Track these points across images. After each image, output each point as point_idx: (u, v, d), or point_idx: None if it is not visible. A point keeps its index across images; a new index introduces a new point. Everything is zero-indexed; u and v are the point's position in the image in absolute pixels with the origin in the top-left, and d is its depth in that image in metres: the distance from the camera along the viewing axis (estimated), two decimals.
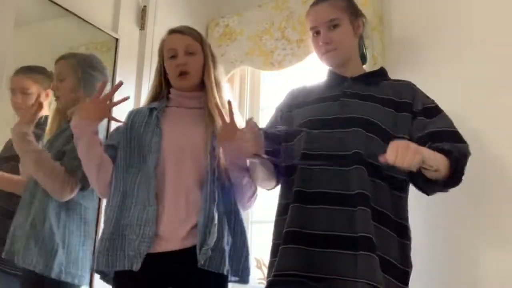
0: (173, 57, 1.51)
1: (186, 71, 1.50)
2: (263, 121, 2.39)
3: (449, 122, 1.38)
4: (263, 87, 2.54)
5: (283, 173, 1.42)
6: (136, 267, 1.32)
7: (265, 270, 1.91)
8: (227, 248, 1.38)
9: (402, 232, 1.30)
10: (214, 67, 1.56)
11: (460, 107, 1.89)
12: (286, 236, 1.27)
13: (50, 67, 1.88)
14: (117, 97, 1.93)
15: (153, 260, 1.34)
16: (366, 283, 1.15)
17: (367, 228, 1.21)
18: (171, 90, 1.57)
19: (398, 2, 2.13)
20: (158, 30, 2.23)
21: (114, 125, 1.80)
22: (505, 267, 1.64)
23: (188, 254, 1.34)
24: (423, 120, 1.36)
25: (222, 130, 1.40)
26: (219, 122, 1.44)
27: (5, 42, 1.61)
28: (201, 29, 2.54)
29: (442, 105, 1.90)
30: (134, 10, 2.16)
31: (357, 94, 1.40)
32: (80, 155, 1.44)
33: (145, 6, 2.20)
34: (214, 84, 1.52)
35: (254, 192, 1.52)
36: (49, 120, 1.71)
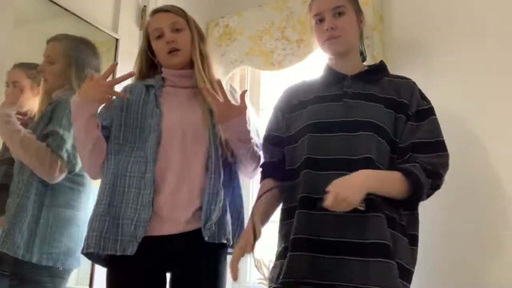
0: (160, 36, 1.48)
1: (176, 47, 1.47)
2: (263, 121, 2.39)
3: (435, 130, 1.35)
4: (263, 87, 2.54)
5: (286, 177, 1.39)
6: (132, 250, 1.30)
7: (265, 270, 1.92)
8: (229, 221, 1.42)
9: (414, 240, 1.32)
10: (202, 42, 1.53)
11: (460, 107, 1.89)
12: (294, 242, 1.25)
13: None
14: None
15: (153, 243, 1.32)
16: None
17: (382, 234, 1.21)
18: (163, 69, 1.53)
19: (398, 2, 2.13)
20: None
21: None
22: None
23: (191, 236, 1.34)
24: (412, 126, 1.33)
25: (218, 111, 1.37)
26: (211, 100, 1.41)
27: (4, 42, 1.61)
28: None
29: (442, 104, 1.91)
30: (134, 10, 2.17)
31: (359, 94, 1.37)
32: (75, 135, 1.40)
33: (145, 6, 2.20)
34: (200, 61, 1.48)
35: (258, 162, 1.50)
36: (38, 103, 1.68)
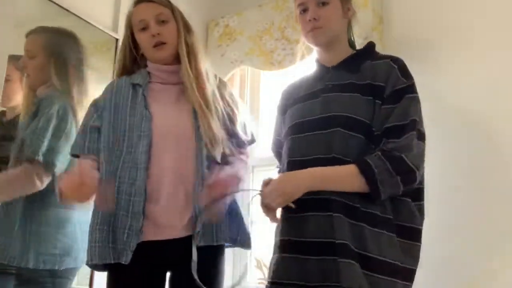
0: (144, 29, 1.40)
1: (161, 41, 1.39)
2: (263, 121, 2.40)
3: (409, 110, 1.22)
4: (263, 87, 2.54)
5: None
6: (126, 259, 1.26)
7: (265, 270, 1.92)
8: (226, 221, 1.36)
9: (405, 232, 1.22)
10: (188, 33, 1.44)
11: (459, 107, 1.89)
12: (281, 244, 1.25)
13: None
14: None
15: (150, 248, 1.30)
16: None
17: (343, 234, 1.15)
18: (149, 64, 1.45)
19: (398, 2, 2.13)
20: None
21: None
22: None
23: (189, 240, 1.30)
24: (386, 110, 1.22)
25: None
26: (195, 98, 1.35)
27: (5, 42, 1.61)
28: (201, 29, 2.54)
29: (442, 104, 1.91)
30: None
31: (338, 86, 1.29)
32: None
33: None
34: (186, 54, 1.40)
35: (248, 159, 1.49)
36: (22, 100, 1.62)
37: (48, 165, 1.46)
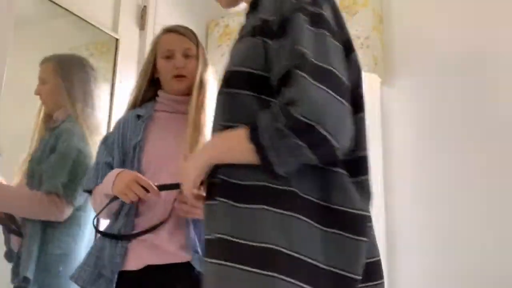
0: (169, 57, 1.46)
1: (183, 74, 1.45)
2: None
3: (296, 43, 0.82)
4: None
5: None
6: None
7: None
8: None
9: (332, 219, 0.83)
10: (205, 70, 1.49)
11: (460, 107, 1.89)
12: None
13: None
14: (118, 97, 1.93)
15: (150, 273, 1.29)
16: None
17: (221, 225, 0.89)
18: (160, 93, 1.49)
19: (398, 2, 2.13)
20: (158, 30, 2.22)
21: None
22: None
23: (185, 266, 1.28)
24: (276, 51, 0.86)
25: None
26: (189, 131, 1.37)
27: (5, 42, 1.61)
28: (201, 29, 2.54)
29: (443, 104, 1.91)
30: (134, 10, 2.16)
31: (238, 38, 1.01)
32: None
33: (145, 6, 2.20)
34: (198, 90, 1.43)
35: None
36: (38, 128, 1.66)
37: (69, 198, 1.49)
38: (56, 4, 1.81)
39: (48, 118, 1.66)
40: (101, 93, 1.73)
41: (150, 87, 1.50)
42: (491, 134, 1.81)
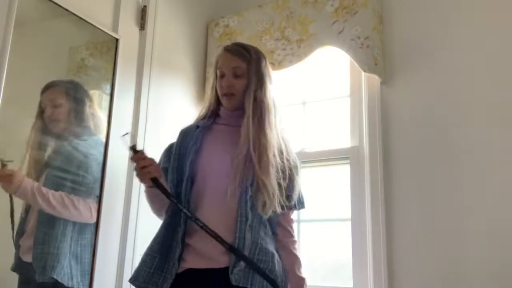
0: (222, 76, 1.55)
1: (231, 92, 1.53)
2: None
3: None
4: None
5: None
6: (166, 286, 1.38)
7: None
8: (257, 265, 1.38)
9: None
10: (258, 88, 1.52)
11: (459, 107, 1.89)
12: None
13: (50, 68, 1.89)
14: (119, 95, 1.93)
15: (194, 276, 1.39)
16: None
17: None
18: (221, 107, 1.60)
19: (398, 2, 2.13)
20: (158, 30, 2.23)
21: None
22: None
23: (223, 273, 1.36)
24: None
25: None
26: (244, 140, 1.45)
27: (5, 42, 1.61)
28: (201, 29, 2.54)
29: (441, 105, 1.91)
30: (134, 10, 2.16)
31: None
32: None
33: (145, 6, 2.20)
34: (251, 104, 1.48)
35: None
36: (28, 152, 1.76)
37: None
38: (56, 4, 1.81)
39: (54, 136, 1.81)
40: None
41: (215, 103, 1.61)
42: (492, 133, 1.81)
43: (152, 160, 1.40)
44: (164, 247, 1.43)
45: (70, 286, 1.64)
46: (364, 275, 1.96)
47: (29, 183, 1.62)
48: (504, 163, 1.77)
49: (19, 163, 1.66)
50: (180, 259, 1.40)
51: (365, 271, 1.97)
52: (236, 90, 1.52)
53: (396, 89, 2.05)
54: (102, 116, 1.91)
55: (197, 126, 1.57)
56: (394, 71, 2.07)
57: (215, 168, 1.46)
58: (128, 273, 1.89)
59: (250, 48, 1.58)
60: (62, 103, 1.80)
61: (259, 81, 1.52)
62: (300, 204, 1.56)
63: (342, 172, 2.17)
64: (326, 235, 2.20)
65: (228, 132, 1.54)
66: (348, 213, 2.08)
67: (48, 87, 1.80)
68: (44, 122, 1.77)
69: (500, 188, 1.76)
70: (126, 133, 1.44)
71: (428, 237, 1.85)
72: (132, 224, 1.96)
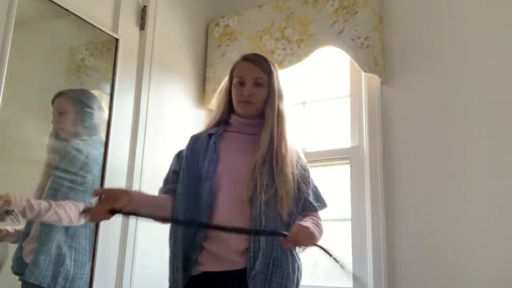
0: (241, 83, 1.57)
1: (250, 101, 1.55)
2: None
3: None
4: None
5: None
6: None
7: None
8: (268, 271, 1.40)
9: None
10: (280, 100, 1.58)
11: (459, 107, 1.89)
12: None
13: (50, 68, 1.89)
14: (119, 95, 1.94)
15: (210, 279, 1.42)
16: None
17: None
18: (232, 115, 1.62)
19: (398, 2, 2.13)
20: (158, 30, 2.23)
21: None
22: None
23: (238, 275, 1.39)
24: None
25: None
26: (263, 149, 1.48)
27: (5, 42, 1.60)
28: (201, 29, 2.54)
29: (441, 105, 1.91)
30: (134, 10, 2.16)
31: None
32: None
33: (145, 6, 2.20)
34: (276, 115, 1.53)
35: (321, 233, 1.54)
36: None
37: None
38: (56, 4, 1.81)
39: (63, 141, 1.83)
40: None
41: (225, 111, 1.63)
42: (492, 133, 1.81)
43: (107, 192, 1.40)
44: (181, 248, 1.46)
45: None
46: (364, 275, 1.96)
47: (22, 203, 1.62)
48: (504, 163, 1.77)
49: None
50: (196, 262, 1.43)
51: (365, 271, 1.97)
52: (256, 99, 1.56)
53: (396, 89, 2.05)
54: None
55: (210, 134, 1.59)
56: (394, 71, 2.07)
57: (234, 175, 1.49)
58: (128, 275, 1.89)
59: (267, 60, 1.63)
60: (68, 110, 1.82)
61: (280, 93, 1.59)
62: (322, 203, 1.59)
63: (342, 172, 2.17)
64: (326, 235, 2.20)
65: (241, 140, 1.58)
66: (348, 213, 2.08)
67: (57, 96, 1.83)
68: (55, 129, 1.81)
69: (500, 187, 1.76)
70: None
71: (428, 237, 1.85)
72: (132, 225, 1.96)
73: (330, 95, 2.34)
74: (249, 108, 1.57)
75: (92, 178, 1.80)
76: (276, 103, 1.55)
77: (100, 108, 1.94)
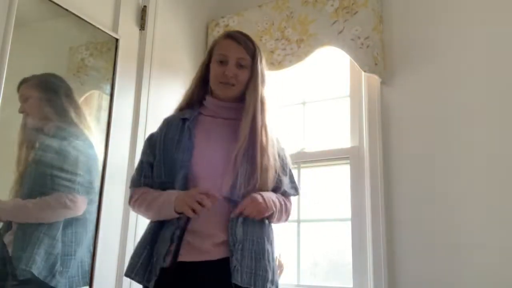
0: (222, 62, 1.47)
1: (232, 83, 1.46)
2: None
3: None
4: None
5: None
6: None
7: None
8: (247, 263, 1.35)
9: None
10: (262, 84, 1.48)
11: (459, 106, 1.89)
12: None
13: (50, 68, 1.88)
14: (119, 95, 1.93)
15: (187, 269, 1.35)
16: None
17: None
18: (207, 97, 1.52)
19: (398, 2, 2.13)
20: (158, 30, 2.23)
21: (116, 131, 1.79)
22: None
23: (223, 263, 1.33)
24: None
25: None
26: (244, 138, 1.40)
27: (5, 42, 1.61)
28: (201, 29, 2.54)
29: (441, 105, 1.91)
30: (134, 10, 2.16)
31: None
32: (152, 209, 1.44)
33: (145, 6, 2.20)
34: (259, 101, 1.45)
35: (288, 214, 1.52)
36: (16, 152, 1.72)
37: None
38: (56, 4, 1.81)
39: (34, 130, 1.75)
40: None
41: (200, 89, 1.53)
42: (492, 133, 1.81)
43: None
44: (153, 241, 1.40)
45: (47, 281, 1.61)
46: (364, 275, 1.97)
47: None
48: (504, 163, 1.76)
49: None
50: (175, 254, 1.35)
51: (365, 271, 1.97)
52: (238, 81, 1.46)
53: (396, 89, 2.05)
54: (96, 112, 1.91)
55: (184, 119, 1.48)
56: (394, 71, 2.07)
57: (210, 165, 1.41)
58: None
59: (252, 40, 1.53)
60: (31, 95, 1.73)
61: (263, 78, 1.50)
62: (295, 191, 1.55)
63: (342, 172, 2.17)
64: (326, 235, 2.20)
65: (217, 125, 1.48)
66: (348, 213, 2.08)
67: (20, 84, 1.75)
68: (23, 118, 1.73)
69: (500, 187, 1.76)
70: None
71: (428, 236, 1.85)
72: (132, 223, 1.96)
73: (330, 95, 2.34)
74: (229, 90, 1.46)
75: (72, 169, 1.74)
76: (259, 88, 1.46)
77: (69, 90, 1.84)
